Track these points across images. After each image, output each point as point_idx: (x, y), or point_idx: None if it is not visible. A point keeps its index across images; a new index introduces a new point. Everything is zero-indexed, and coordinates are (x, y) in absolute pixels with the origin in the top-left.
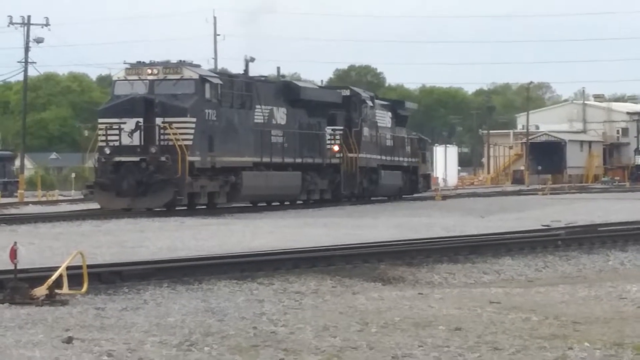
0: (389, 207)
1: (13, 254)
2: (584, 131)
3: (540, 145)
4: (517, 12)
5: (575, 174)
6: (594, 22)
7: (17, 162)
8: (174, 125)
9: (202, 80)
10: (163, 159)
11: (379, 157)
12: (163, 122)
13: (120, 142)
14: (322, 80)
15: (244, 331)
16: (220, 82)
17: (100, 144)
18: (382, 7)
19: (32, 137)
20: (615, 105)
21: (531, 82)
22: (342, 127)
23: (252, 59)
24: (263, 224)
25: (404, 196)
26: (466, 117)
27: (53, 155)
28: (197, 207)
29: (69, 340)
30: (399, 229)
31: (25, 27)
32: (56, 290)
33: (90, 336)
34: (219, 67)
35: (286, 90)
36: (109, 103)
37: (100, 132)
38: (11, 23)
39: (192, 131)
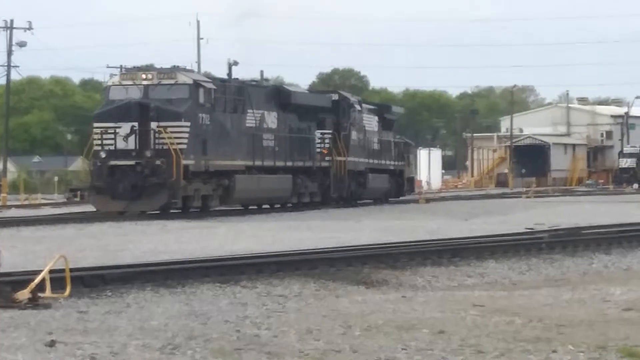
0: (374, 210)
1: None
2: (568, 134)
3: (524, 148)
4: (501, 16)
5: (559, 177)
6: (577, 26)
7: (0, 166)
8: (169, 129)
9: (196, 85)
10: (158, 162)
11: (366, 160)
12: (158, 127)
13: (115, 146)
14: (308, 84)
15: (227, 334)
16: (214, 87)
17: (96, 147)
18: (366, 11)
19: (14, 141)
20: (599, 109)
21: (515, 85)
22: (330, 131)
23: (236, 63)
24: (247, 227)
25: (390, 199)
26: (450, 120)
27: (36, 159)
28: (190, 210)
29: (52, 343)
30: (383, 232)
31: (8, 31)
32: (39, 294)
33: (73, 339)
34: (203, 70)
35: (277, 95)
36: (104, 107)
37: (95, 137)
38: None
39: (187, 135)
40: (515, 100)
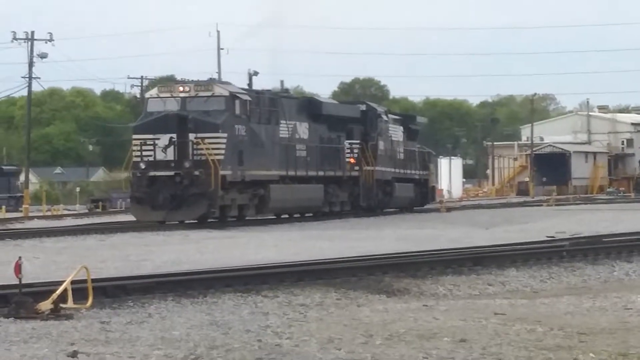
0: (395, 219)
1: (18, 268)
2: (588, 142)
3: (545, 156)
4: (521, 24)
5: (580, 185)
6: (597, 34)
7: (22, 177)
8: (207, 140)
9: (233, 97)
10: (196, 173)
11: (393, 170)
12: (196, 138)
13: (154, 157)
14: (329, 94)
15: (248, 344)
16: (249, 99)
17: (135, 159)
18: (386, 20)
19: (36, 152)
20: (620, 116)
21: (535, 94)
22: (359, 141)
23: (256, 73)
24: (268, 237)
25: (415, 208)
26: (470, 129)
27: (57, 170)
28: (228, 219)
29: (74, 354)
30: (404, 241)
31: (29, 43)
32: (61, 305)
33: (95, 350)
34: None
35: (308, 106)
36: (143, 120)
37: (134, 148)
38: (15, 39)
39: (224, 146)
40: (536, 108)
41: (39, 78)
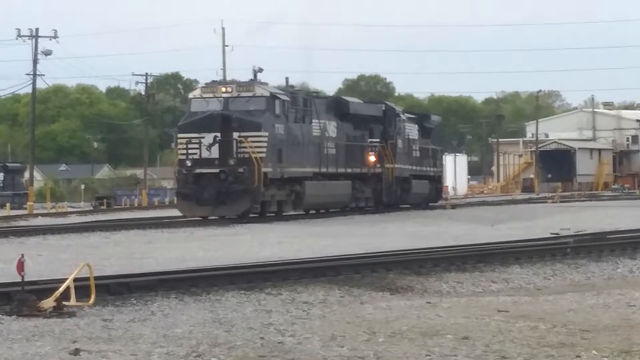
0: (401, 216)
1: (20, 266)
2: (593, 139)
3: (550, 153)
4: (526, 20)
5: (585, 182)
6: (602, 30)
7: (27, 174)
8: (250, 139)
9: (273, 97)
10: (240, 170)
11: (410, 167)
12: (239, 136)
13: (200, 155)
14: (334, 91)
15: (251, 342)
16: (288, 99)
17: (180, 157)
18: (391, 17)
19: (41, 149)
20: (625, 113)
21: (540, 91)
22: (379, 140)
23: (260, 70)
24: (272, 235)
25: (430, 204)
26: (476, 125)
27: (62, 167)
28: (267, 215)
29: (76, 352)
30: (409, 238)
31: (34, 40)
32: (64, 302)
33: (97, 348)
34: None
35: (336, 105)
36: (187, 119)
37: (180, 146)
38: (19, 36)
39: (265, 144)
40: (541, 105)
41: (44, 75)
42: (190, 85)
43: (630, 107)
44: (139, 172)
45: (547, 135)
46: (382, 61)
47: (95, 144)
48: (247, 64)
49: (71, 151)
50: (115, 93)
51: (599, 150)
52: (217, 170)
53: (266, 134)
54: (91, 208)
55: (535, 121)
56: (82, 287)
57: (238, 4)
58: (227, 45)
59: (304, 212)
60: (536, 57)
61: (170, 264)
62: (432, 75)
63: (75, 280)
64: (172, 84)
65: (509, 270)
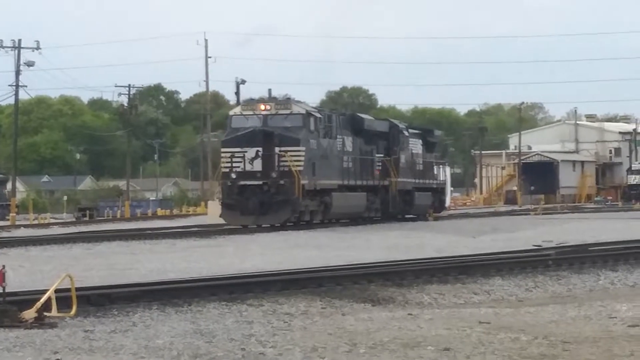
0: (383, 227)
1: (1, 277)
2: (576, 151)
3: (533, 165)
4: (510, 34)
5: (567, 194)
6: (586, 43)
7: (9, 186)
8: (289, 153)
9: (308, 114)
10: (282, 182)
11: (413, 180)
12: (280, 151)
13: (244, 168)
14: (317, 103)
15: (232, 352)
16: (320, 116)
17: (224, 170)
18: (374, 29)
19: (23, 161)
20: (608, 125)
21: (523, 103)
22: (383, 155)
23: (243, 81)
24: (254, 246)
25: (435, 215)
26: (458, 137)
27: (45, 179)
28: (300, 223)
29: None
30: (391, 250)
31: (16, 51)
32: (45, 313)
33: (78, 358)
34: (210, 89)
35: (352, 121)
36: (230, 135)
37: (224, 160)
38: (1, 47)
39: (303, 159)
40: (524, 117)
41: (26, 86)
42: (172, 96)
43: (613, 119)
44: (121, 184)
45: (529, 148)
46: (365, 73)
47: (78, 156)
48: (230, 76)
49: (54, 162)
50: (98, 105)
51: (582, 162)
52: (260, 182)
53: (303, 148)
54: (74, 219)
55: (518, 133)
56: (63, 298)
57: (221, 16)
58: (210, 57)
59: (327, 221)
60: (519, 69)
61: (152, 275)
62: (416, 87)
63: (56, 291)
64: (154, 96)
65: (491, 282)
